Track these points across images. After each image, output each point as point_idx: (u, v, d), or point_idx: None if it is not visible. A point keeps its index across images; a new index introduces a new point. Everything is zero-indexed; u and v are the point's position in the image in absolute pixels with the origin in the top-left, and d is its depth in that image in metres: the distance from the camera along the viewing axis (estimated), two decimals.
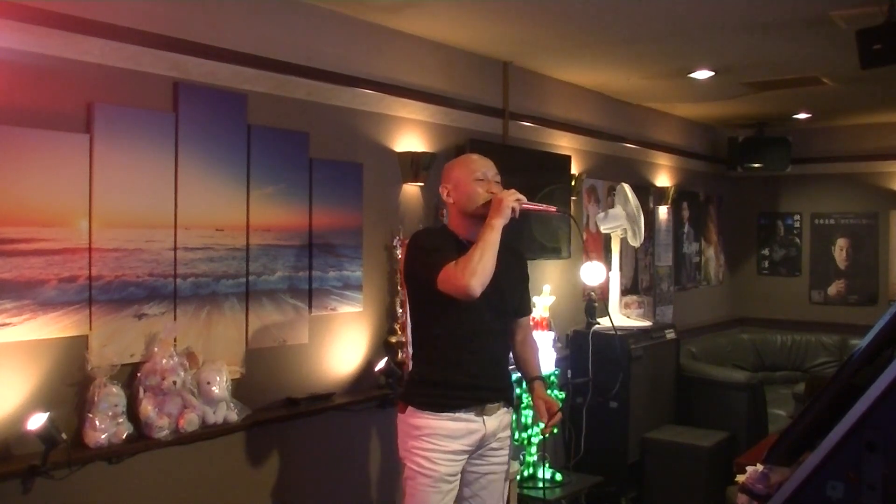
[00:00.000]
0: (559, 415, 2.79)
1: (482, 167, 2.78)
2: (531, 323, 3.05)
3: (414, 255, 2.75)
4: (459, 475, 2.75)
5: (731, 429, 5.24)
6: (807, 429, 1.84)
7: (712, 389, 5.52)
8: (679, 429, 5.23)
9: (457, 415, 2.68)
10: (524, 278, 2.98)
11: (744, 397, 5.43)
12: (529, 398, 4.15)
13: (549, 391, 4.24)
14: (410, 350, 2.91)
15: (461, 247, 2.70)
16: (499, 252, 2.76)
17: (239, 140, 3.21)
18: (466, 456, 2.74)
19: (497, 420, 2.77)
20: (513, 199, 2.65)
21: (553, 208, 2.83)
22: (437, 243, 2.71)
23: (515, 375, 2.95)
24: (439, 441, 2.66)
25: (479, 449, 2.76)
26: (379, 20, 3.80)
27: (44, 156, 2.60)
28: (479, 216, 2.69)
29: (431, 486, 2.66)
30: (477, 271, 2.52)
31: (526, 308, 2.98)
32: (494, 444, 2.79)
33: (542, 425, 2.82)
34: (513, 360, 2.97)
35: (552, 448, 4.76)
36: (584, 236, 2.79)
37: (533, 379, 2.90)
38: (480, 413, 2.71)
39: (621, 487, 4.86)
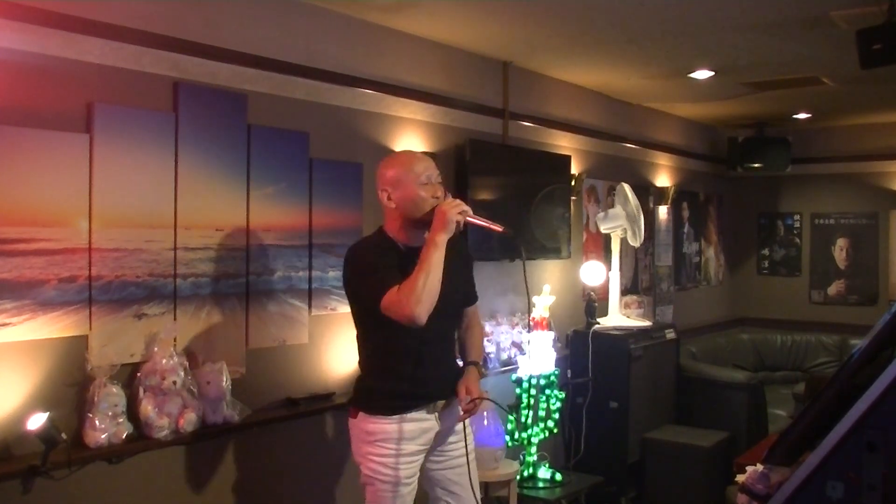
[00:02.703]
0: (476, 405, 2.64)
1: (425, 169, 2.64)
2: (477, 309, 2.95)
3: (354, 275, 2.64)
4: (417, 475, 2.69)
5: (731, 429, 5.24)
6: (807, 429, 1.84)
7: (712, 389, 5.52)
8: (679, 429, 5.23)
9: (409, 415, 2.63)
10: (467, 267, 2.86)
11: (744, 397, 5.44)
12: (529, 399, 4.20)
13: (549, 390, 4.29)
14: (358, 357, 2.79)
15: (401, 256, 2.61)
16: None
17: (239, 140, 3.21)
18: (422, 455, 2.69)
19: (450, 416, 2.73)
20: (456, 213, 2.52)
21: (498, 227, 2.65)
22: (378, 261, 2.57)
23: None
24: (395, 444, 2.61)
25: (437, 446, 2.72)
26: (379, 20, 3.80)
27: (44, 156, 2.60)
28: (423, 222, 2.60)
29: (391, 491, 2.61)
30: (422, 298, 2.42)
31: (472, 298, 2.89)
32: (452, 438, 2.75)
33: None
34: (458, 345, 2.90)
35: (552, 448, 4.76)
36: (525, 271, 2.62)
37: (467, 364, 2.82)
38: (432, 410, 2.68)
39: (621, 487, 4.86)
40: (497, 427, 3.92)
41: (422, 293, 2.43)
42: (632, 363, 4.89)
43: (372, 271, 2.56)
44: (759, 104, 6.09)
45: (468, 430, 2.81)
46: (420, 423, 2.65)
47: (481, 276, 4.38)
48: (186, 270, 3.02)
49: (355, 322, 2.75)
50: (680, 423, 5.37)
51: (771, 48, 4.37)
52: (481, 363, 2.89)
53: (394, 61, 3.94)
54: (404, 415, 2.62)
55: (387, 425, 2.62)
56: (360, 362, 2.78)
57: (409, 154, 2.78)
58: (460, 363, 2.87)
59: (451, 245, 2.64)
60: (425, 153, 3.95)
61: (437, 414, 2.69)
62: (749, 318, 7.71)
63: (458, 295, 2.78)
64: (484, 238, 4.37)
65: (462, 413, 2.67)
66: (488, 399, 2.82)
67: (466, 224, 2.59)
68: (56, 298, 2.63)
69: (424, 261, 2.48)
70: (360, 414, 2.67)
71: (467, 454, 2.75)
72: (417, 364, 2.65)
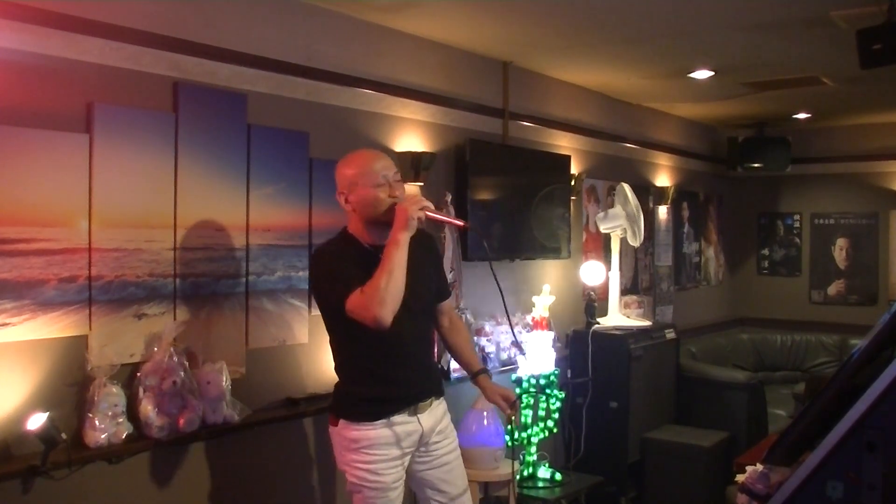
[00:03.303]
0: (519, 402, 2.71)
1: (381, 168, 2.59)
2: (454, 304, 2.94)
3: (319, 279, 2.62)
4: (403, 477, 2.68)
5: (731, 429, 5.24)
6: (807, 429, 1.85)
7: (712, 389, 5.52)
8: (679, 429, 5.23)
9: (392, 419, 2.60)
10: (436, 262, 2.83)
11: (744, 397, 5.44)
12: (529, 399, 4.20)
13: (549, 390, 4.29)
14: (334, 363, 2.76)
15: (366, 255, 2.57)
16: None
17: (239, 140, 3.21)
18: (407, 458, 2.68)
19: (432, 416, 2.71)
20: (417, 209, 2.48)
21: (460, 222, 2.64)
22: (342, 266, 2.53)
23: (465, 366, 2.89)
24: (379, 450, 2.59)
25: (421, 447, 2.70)
26: (379, 20, 3.80)
27: (44, 156, 2.60)
28: (384, 222, 2.56)
29: (379, 497, 2.59)
30: (386, 300, 2.38)
31: (444, 292, 2.85)
32: (437, 438, 2.73)
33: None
34: (446, 349, 2.88)
35: (552, 448, 4.76)
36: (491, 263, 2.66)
37: (477, 374, 2.81)
38: (414, 413, 2.65)
39: (621, 487, 4.86)
40: (497, 427, 3.92)
41: (385, 294, 2.39)
42: (632, 363, 4.89)
43: (335, 274, 2.52)
44: (759, 104, 6.09)
45: (451, 426, 2.82)
46: (403, 427, 2.63)
47: (480, 277, 4.41)
48: (186, 270, 3.01)
49: (327, 327, 2.71)
50: (680, 423, 5.37)
51: (771, 48, 4.37)
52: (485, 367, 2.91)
53: (394, 61, 3.94)
54: (387, 419, 2.60)
55: (369, 431, 2.59)
56: (336, 368, 2.74)
57: (364, 154, 2.69)
58: (454, 369, 2.87)
59: (419, 241, 2.63)
60: (427, 152, 3.96)
61: (418, 417, 2.66)
62: (749, 318, 7.71)
63: (430, 292, 2.75)
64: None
65: (514, 419, 2.74)
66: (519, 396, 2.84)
67: (428, 220, 2.56)
68: (56, 298, 2.63)
69: (386, 261, 2.44)
70: (341, 422, 2.64)
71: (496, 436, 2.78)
72: (395, 365, 2.63)
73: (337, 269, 2.54)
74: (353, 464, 2.61)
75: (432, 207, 2.55)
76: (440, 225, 3.96)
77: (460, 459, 2.82)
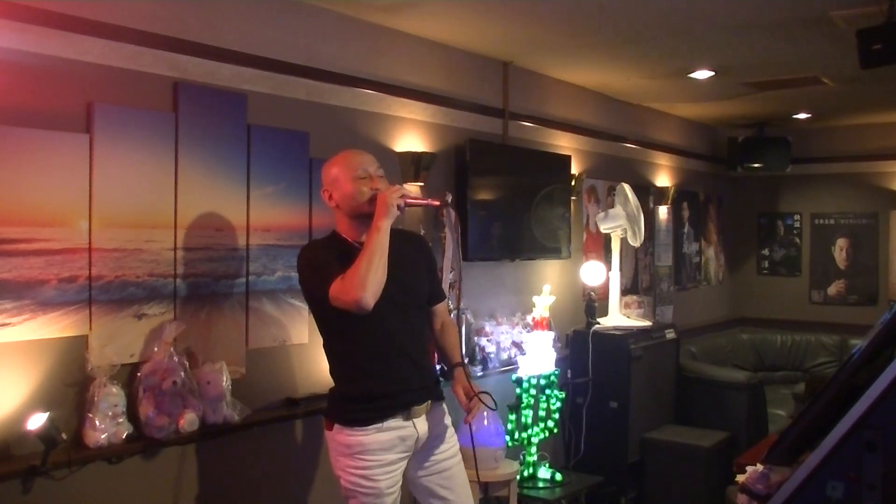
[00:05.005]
0: (477, 400, 2.66)
1: (362, 163, 2.65)
2: (448, 308, 2.93)
3: (303, 274, 2.64)
4: (399, 482, 2.66)
5: (731, 429, 5.23)
6: (807, 429, 1.85)
7: (712, 389, 5.52)
8: (679, 429, 5.23)
9: (385, 424, 2.58)
10: (429, 263, 2.84)
11: (744, 397, 5.43)
12: (529, 399, 4.20)
13: (549, 390, 4.29)
14: (329, 367, 2.75)
15: (351, 252, 2.56)
16: (394, 244, 2.55)
17: (239, 140, 3.21)
18: (403, 463, 2.66)
19: (428, 421, 2.69)
20: (397, 196, 2.53)
21: (436, 202, 2.68)
22: (324, 257, 2.57)
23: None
24: (373, 456, 2.57)
25: (419, 453, 2.69)
26: (379, 20, 3.80)
27: (44, 156, 2.60)
28: (366, 215, 2.56)
29: (374, 503, 2.59)
30: (366, 282, 2.40)
31: (437, 295, 2.85)
32: (436, 443, 2.72)
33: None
34: (435, 349, 2.89)
35: (552, 448, 4.76)
36: (456, 236, 2.65)
37: (454, 366, 2.80)
38: (408, 417, 2.62)
39: (621, 487, 4.85)
40: (497, 427, 3.92)
41: (365, 276, 2.41)
42: (632, 363, 4.89)
43: (317, 264, 2.57)
44: (759, 104, 6.09)
45: (451, 432, 2.79)
46: (398, 432, 2.61)
47: (481, 276, 4.41)
48: (186, 270, 3.02)
49: (319, 329, 2.73)
50: (680, 423, 5.37)
51: (771, 48, 4.37)
52: (466, 362, 2.88)
53: (394, 61, 3.94)
54: (381, 424, 2.58)
55: (363, 437, 2.58)
56: (330, 371, 2.74)
57: (345, 152, 2.75)
58: (439, 366, 2.85)
59: (409, 240, 2.78)
60: (427, 152, 3.96)
61: (413, 421, 2.64)
62: (749, 318, 7.72)
63: (422, 288, 2.76)
64: (484, 238, 4.37)
65: (466, 415, 2.68)
66: (486, 393, 2.78)
67: (409, 206, 2.60)
68: (56, 298, 2.63)
69: (367, 245, 2.48)
70: (336, 426, 2.63)
71: (476, 445, 2.73)
72: (384, 359, 2.61)
73: (319, 259, 2.58)
74: (348, 469, 2.61)
75: (412, 194, 2.60)
76: (440, 225, 3.97)
77: (461, 466, 2.80)
